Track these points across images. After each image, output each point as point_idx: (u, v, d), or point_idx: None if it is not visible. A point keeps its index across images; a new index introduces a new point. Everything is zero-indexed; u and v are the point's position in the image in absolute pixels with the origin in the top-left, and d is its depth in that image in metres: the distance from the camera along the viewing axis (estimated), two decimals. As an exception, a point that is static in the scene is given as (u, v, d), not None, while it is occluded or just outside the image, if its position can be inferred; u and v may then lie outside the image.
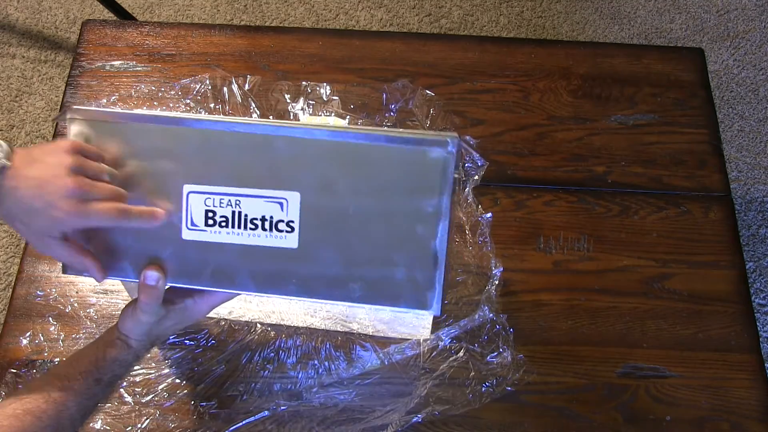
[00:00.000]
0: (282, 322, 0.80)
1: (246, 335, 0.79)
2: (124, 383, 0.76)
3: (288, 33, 1.03)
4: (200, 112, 0.91)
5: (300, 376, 0.78)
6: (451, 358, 0.78)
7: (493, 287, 0.80)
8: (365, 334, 0.80)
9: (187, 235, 0.58)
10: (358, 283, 0.56)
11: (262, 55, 0.99)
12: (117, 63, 0.98)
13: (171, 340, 0.79)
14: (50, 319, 0.80)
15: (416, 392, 0.76)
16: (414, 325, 0.77)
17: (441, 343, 0.79)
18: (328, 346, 0.79)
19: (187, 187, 0.57)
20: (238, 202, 0.56)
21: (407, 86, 0.95)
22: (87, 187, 0.53)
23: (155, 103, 0.94)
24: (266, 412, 0.75)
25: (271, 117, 0.91)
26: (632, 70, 1.00)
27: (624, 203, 0.90)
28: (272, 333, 0.80)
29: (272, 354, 0.79)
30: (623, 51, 1.02)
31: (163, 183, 0.57)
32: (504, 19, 1.84)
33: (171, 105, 0.93)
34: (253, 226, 0.56)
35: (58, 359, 0.78)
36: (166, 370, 0.77)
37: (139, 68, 0.98)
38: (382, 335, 0.79)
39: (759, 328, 1.10)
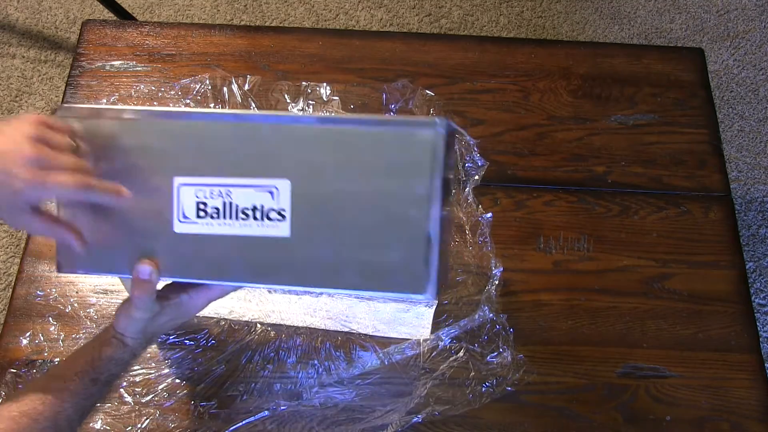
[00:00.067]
0: (282, 322, 0.80)
1: (246, 335, 0.79)
2: (124, 383, 0.76)
3: (288, 33, 1.03)
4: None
5: (300, 376, 0.78)
6: (451, 358, 0.78)
7: (493, 287, 0.80)
8: (365, 334, 0.80)
9: (179, 228, 0.57)
10: (351, 270, 0.55)
11: (262, 55, 0.99)
12: (117, 63, 0.98)
13: (171, 340, 0.79)
14: (50, 319, 0.80)
15: (416, 392, 0.76)
16: (414, 325, 0.77)
17: (441, 343, 0.79)
18: (328, 346, 0.79)
19: (177, 180, 0.57)
20: (228, 193, 0.56)
21: (407, 86, 0.95)
22: (46, 156, 0.51)
23: (155, 103, 0.94)
24: (266, 412, 0.75)
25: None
26: (632, 70, 1.00)
27: (624, 203, 0.90)
28: (272, 333, 0.80)
29: (272, 354, 0.79)
30: (623, 51, 1.02)
31: (154, 177, 0.57)
32: (504, 19, 1.84)
33: (171, 105, 0.93)
34: (244, 216, 0.56)
35: (58, 359, 0.78)
36: (166, 370, 0.77)
37: (139, 68, 0.98)
38: (382, 335, 0.79)
39: (759, 328, 1.10)
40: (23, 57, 1.73)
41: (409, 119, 0.54)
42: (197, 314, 0.63)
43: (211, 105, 0.91)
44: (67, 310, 0.81)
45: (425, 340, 0.79)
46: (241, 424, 0.75)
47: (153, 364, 0.78)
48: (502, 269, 0.81)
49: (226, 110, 0.57)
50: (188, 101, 0.92)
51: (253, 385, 0.77)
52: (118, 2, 1.64)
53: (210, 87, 0.92)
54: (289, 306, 0.77)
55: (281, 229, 0.55)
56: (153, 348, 0.79)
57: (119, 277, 0.76)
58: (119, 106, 0.60)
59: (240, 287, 0.62)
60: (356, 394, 0.77)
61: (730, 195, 0.92)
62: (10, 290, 1.05)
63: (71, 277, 0.83)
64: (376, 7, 1.84)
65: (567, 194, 0.91)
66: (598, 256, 0.86)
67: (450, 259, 0.61)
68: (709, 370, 0.80)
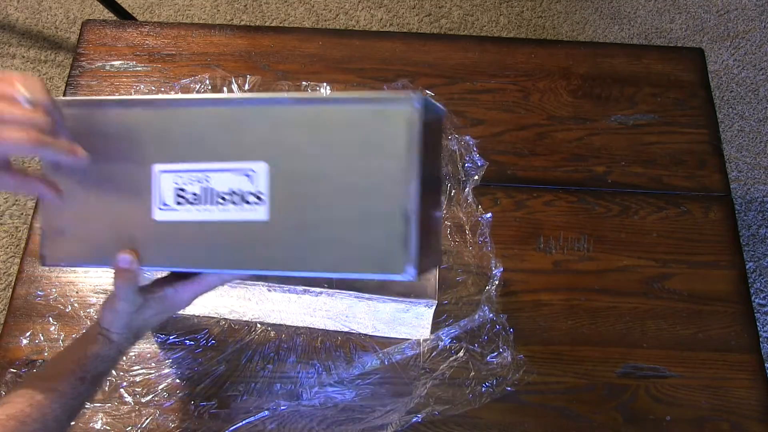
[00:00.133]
0: (282, 322, 0.80)
1: (246, 335, 0.79)
2: (124, 383, 0.76)
3: (288, 33, 1.03)
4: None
5: (300, 376, 0.78)
6: (451, 358, 0.78)
7: (493, 287, 0.80)
8: (365, 334, 0.80)
9: (159, 216, 0.57)
10: (330, 252, 0.54)
11: (262, 55, 0.99)
12: (117, 63, 0.98)
13: (171, 340, 0.79)
14: (50, 319, 0.80)
15: (416, 392, 0.77)
16: (414, 325, 0.77)
17: (441, 343, 0.79)
18: (328, 346, 0.79)
19: (156, 167, 0.56)
20: (206, 178, 0.55)
21: (407, 86, 0.95)
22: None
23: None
24: (266, 412, 0.75)
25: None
26: (632, 70, 1.00)
27: (624, 203, 0.90)
28: (272, 333, 0.80)
29: (272, 354, 0.79)
30: (623, 51, 1.02)
31: (133, 165, 0.57)
32: (504, 19, 1.84)
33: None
34: (223, 201, 0.55)
35: (58, 359, 0.78)
36: (166, 370, 0.77)
37: (139, 68, 0.98)
38: (382, 335, 0.79)
39: (759, 328, 1.10)
40: (23, 57, 1.73)
41: (385, 96, 0.52)
42: (185, 309, 0.62)
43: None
44: (67, 310, 0.81)
45: (425, 340, 0.79)
46: (241, 424, 0.75)
47: (153, 364, 0.78)
48: (502, 269, 0.81)
49: (203, 95, 0.57)
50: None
51: (253, 385, 0.77)
52: (118, 2, 1.64)
53: (210, 87, 0.92)
54: (289, 306, 0.77)
55: (260, 213, 0.54)
56: (153, 348, 0.79)
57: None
58: (96, 97, 0.59)
59: (221, 274, 0.60)
60: (356, 394, 0.77)
61: (730, 195, 0.92)
62: (10, 290, 1.05)
63: (71, 276, 0.83)
64: (376, 7, 1.84)
65: (567, 194, 0.91)
66: (598, 256, 0.86)
67: (442, 241, 0.60)
68: (709, 370, 0.80)
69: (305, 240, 0.54)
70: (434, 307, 0.74)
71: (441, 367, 0.78)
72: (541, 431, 0.76)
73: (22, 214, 1.54)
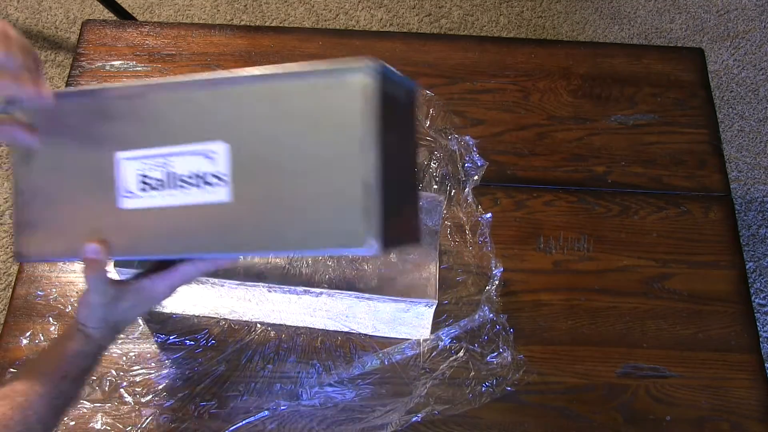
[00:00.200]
0: (282, 322, 0.80)
1: (246, 335, 0.79)
2: (124, 383, 0.76)
3: (288, 33, 1.03)
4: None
5: (300, 376, 0.78)
6: (451, 358, 0.78)
7: (493, 287, 0.80)
8: (365, 334, 0.80)
9: (124, 204, 0.56)
10: (293, 229, 0.53)
11: (262, 55, 0.99)
12: (117, 63, 0.98)
13: (171, 340, 0.79)
14: (50, 319, 0.80)
15: (416, 392, 0.77)
16: (414, 325, 0.77)
17: (441, 343, 0.79)
18: (328, 346, 0.79)
19: (118, 155, 0.56)
20: (169, 163, 0.55)
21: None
22: None
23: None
24: (266, 412, 0.75)
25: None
26: (632, 70, 1.00)
27: (624, 203, 0.90)
28: (272, 333, 0.80)
29: (272, 354, 0.79)
30: (623, 51, 1.02)
31: (98, 155, 0.56)
32: (504, 19, 1.84)
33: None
34: (186, 185, 0.54)
35: (58, 359, 0.78)
36: (166, 370, 0.77)
37: (139, 68, 0.98)
38: (382, 335, 0.79)
39: (759, 328, 1.10)
40: (23, 57, 1.73)
41: (339, 66, 0.51)
42: (162, 302, 0.61)
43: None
44: (67, 310, 0.81)
45: (425, 340, 0.79)
46: (241, 424, 0.75)
47: (153, 364, 0.78)
48: (502, 269, 0.81)
49: (159, 80, 0.56)
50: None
51: (253, 385, 0.77)
52: (118, 2, 1.64)
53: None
54: (289, 306, 0.77)
55: (222, 194, 0.53)
56: (153, 348, 0.79)
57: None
58: (57, 90, 0.59)
59: (197, 265, 0.58)
60: (356, 394, 0.77)
61: (730, 195, 0.92)
62: (10, 290, 1.05)
63: (71, 276, 0.83)
64: (376, 7, 1.84)
65: (567, 194, 0.91)
66: (598, 256, 0.86)
67: (418, 208, 0.58)
68: (709, 370, 0.80)
69: (268, 219, 0.53)
70: (434, 307, 0.74)
71: (441, 367, 0.78)
72: (541, 431, 0.76)
73: (22, 214, 1.54)
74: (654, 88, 0.99)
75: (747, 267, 1.34)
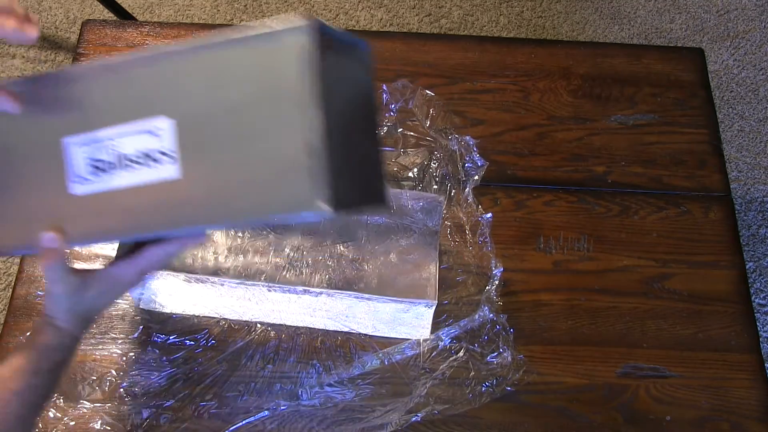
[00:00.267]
0: (282, 322, 0.80)
1: (246, 335, 0.79)
2: (125, 383, 0.76)
3: (288, 33, 1.03)
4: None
5: (300, 376, 0.78)
6: (451, 358, 0.78)
7: (493, 287, 0.80)
8: (365, 334, 0.80)
9: (76, 189, 0.55)
10: (244, 198, 0.52)
11: (262, 55, 0.99)
12: (117, 63, 0.98)
13: (171, 340, 0.79)
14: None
15: (416, 392, 0.77)
16: (414, 325, 0.77)
17: (441, 343, 0.79)
18: (328, 346, 0.79)
19: (66, 140, 0.55)
20: (116, 144, 0.54)
21: (407, 86, 0.95)
22: None
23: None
24: (266, 412, 0.75)
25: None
26: (632, 70, 1.00)
27: (624, 203, 0.90)
28: (272, 333, 0.80)
29: (272, 354, 0.79)
30: (623, 51, 1.02)
31: (47, 142, 0.56)
32: (504, 19, 1.84)
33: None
34: (135, 164, 0.53)
35: (58, 359, 0.78)
36: (166, 370, 0.77)
37: (139, 68, 0.98)
38: (382, 335, 0.79)
39: (759, 328, 1.10)
40: (23, 57, 1.73)
41: (276, 28, 0.50)
42: (131, 288, 0.59)
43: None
44: (67, 310, 0.81)
45: (425, 340, 0.79)
46: (241, 424, 0.75)
47: (153, 364, 0.78)
48: (502, 269, 0.81)
49: (97, 61, 0.56)
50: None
51: (253, 385, 0.77)
52: (118, 2, 1.64)
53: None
54: (289, 306, 0.77)
55: (171, 171, 0.53)
56: (153, 348, 0.79)
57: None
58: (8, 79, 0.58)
59: (165, 248, 0.57)
60: (356, 394, 0.77)
61: (730, 195, 0.92)
62: (10, 290, 1.05)
63: (71, 277, 0.83)
64: (376, 7, 1.84)
65: (567, 194, 0.91)
66: (598, 256, 0.86)
67: (382, 170, 0.57)
68: (709, 370, 0.80)
69: (219, 191, 0.52)
70: (434, 307, 0.74)
71: (441, 367, 0.78)
72: (541, 431, 0.76)
73: (22, 214, 1.54)
74: (654, 88, 0.99)
75: (747, 267, 1.34)
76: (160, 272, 0.76)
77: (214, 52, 0.51)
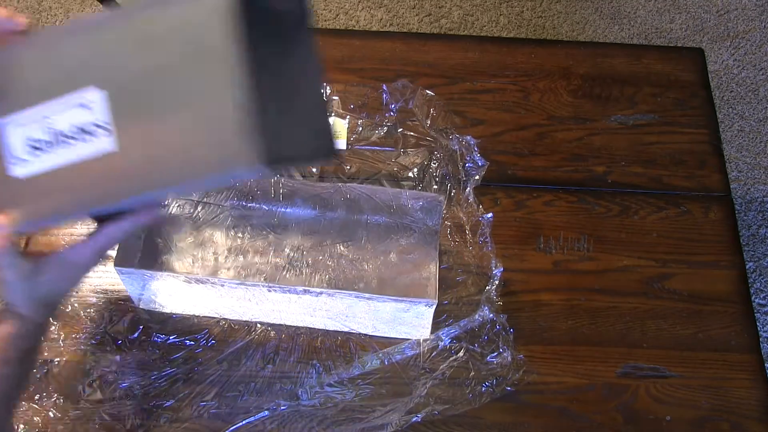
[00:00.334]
0: (282, 322, 0.80)
1: (246, 335, 0.79)
2: (125, 383, 0.76)
3: (288, 33, 1.03)
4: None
5: (300, 376, 0.78)
6: (451, 358, 0.78)
7: (493, 287, 0.80)
8: (365, 334, 0.80)
9: (15, 171, 0.54)
10: (176, 163, 0.51)
11: (262, 55, 0.99)
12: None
13: (171, 340, 0.79)
14: (50, 319, 0.80)
15: (416, 392, 0.77)
16: (414, 325, 0.77)
17: (441, 343, 0.79)
18: (328, 346, 0.79)
19: (0, 122, 0.54)
20: (50, 121, 0.53)
21: (407, 86, 0.95)
22: None
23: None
24: (266, 412, 0.75)
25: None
26: (632, 70, 1.00)
27: (624, 203, 0.90)
28: (272, 333, 0.80)
29: (272, 354, 0.79)
30: (623, 51, 1.03)
31: None
32: (504, 19, 1.84)
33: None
34: (71, 140, 0.52)
35: (58, 359, 0.78)
36: (166, 370, 0.77)
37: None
38: (382, 335, 0.79)
39: (759, 328, 1.10)
40: (23, 57, 1.73)
41: None
42: (91, 269, 0.59)
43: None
44: (67, 310, 0.81)
45: (425, 340, 0.79)
46: (241, 424, 0.75)
47: (153, 364, 0.78)
48: (502, 269, 0.81)
49: (21, 39, 0.55)
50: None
51: (253, 385, 0.77)
52: (118, 2, 1.64)
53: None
54: (289, 306, 0.77)
55: (107, 143, 0.52)
56: (153, 348, 0.79)
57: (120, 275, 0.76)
58: None
59: (120, 225, 0.55)
60: (356, 394, 0.77)
61: (730, 195, 0.92)
62: None
63: (71, 277, 0.83)
64: (376, 7, 1.84)
65: (567, 194, 0.91)
66: (598, 256, 0.86)
67: (326, 121, 0.56)
68: (709, 370, 0.80)
69: (155, 158, 0.52)
70: (434, 307, 0.74)
71: (441, 367, 0.78)
72: (541, 431, 0.76)
73: (22, 214, 1.54)
74: (654, 88, 0.99)
75: (747, 267, 1.34)
76: (161, 273, 0.76)
77: (138, 16, 0.51)
